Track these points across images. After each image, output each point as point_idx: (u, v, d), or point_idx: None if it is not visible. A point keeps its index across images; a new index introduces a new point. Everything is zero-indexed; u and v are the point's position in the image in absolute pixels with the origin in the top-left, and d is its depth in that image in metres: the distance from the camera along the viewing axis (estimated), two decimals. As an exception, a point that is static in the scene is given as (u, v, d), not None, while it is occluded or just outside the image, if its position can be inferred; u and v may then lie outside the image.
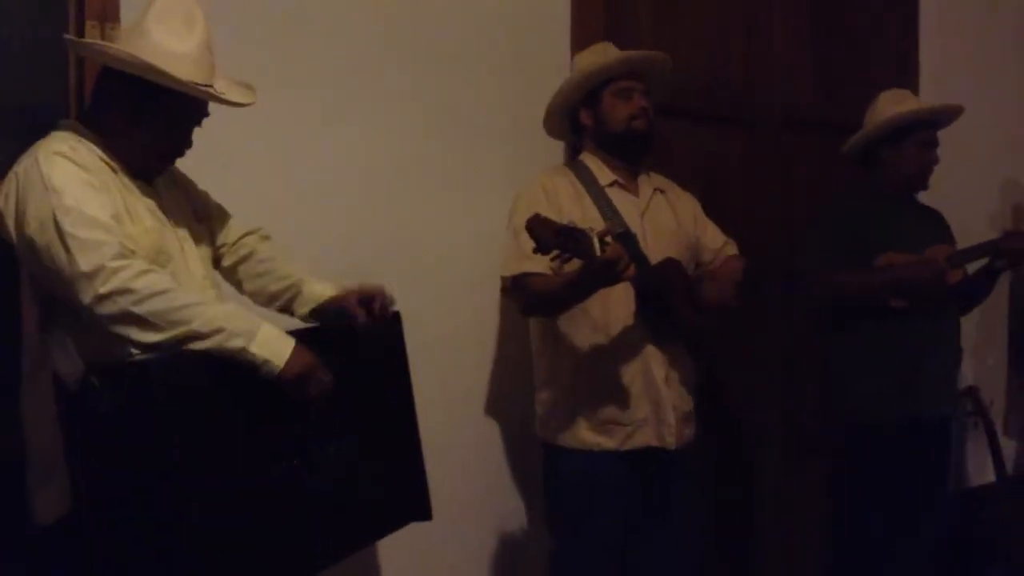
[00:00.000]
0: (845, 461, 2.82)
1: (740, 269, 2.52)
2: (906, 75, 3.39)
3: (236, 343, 1.59)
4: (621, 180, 2.41)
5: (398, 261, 2.40)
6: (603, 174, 2.40)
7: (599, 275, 2.04)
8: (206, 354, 1.58)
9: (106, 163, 1.69)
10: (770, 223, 3.06)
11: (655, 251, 2.34)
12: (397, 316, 2.01)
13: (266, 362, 1.61)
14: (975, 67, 3.59)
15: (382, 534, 2.02)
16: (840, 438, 2.82)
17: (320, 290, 1.93)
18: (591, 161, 2.43)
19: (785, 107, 3.17)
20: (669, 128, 2.88)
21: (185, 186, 1.92)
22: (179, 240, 1.79)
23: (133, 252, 1.61)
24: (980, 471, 3.52)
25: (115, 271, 1.55)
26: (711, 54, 3.04)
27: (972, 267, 2.82)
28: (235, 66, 1.81)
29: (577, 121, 2.44)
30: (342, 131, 2.36)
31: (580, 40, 2.69)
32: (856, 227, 2.73)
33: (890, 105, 2.77)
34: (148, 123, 1.71)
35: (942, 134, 2.81)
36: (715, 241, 2.55)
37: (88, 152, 1.67)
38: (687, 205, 2.54)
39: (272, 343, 1.62)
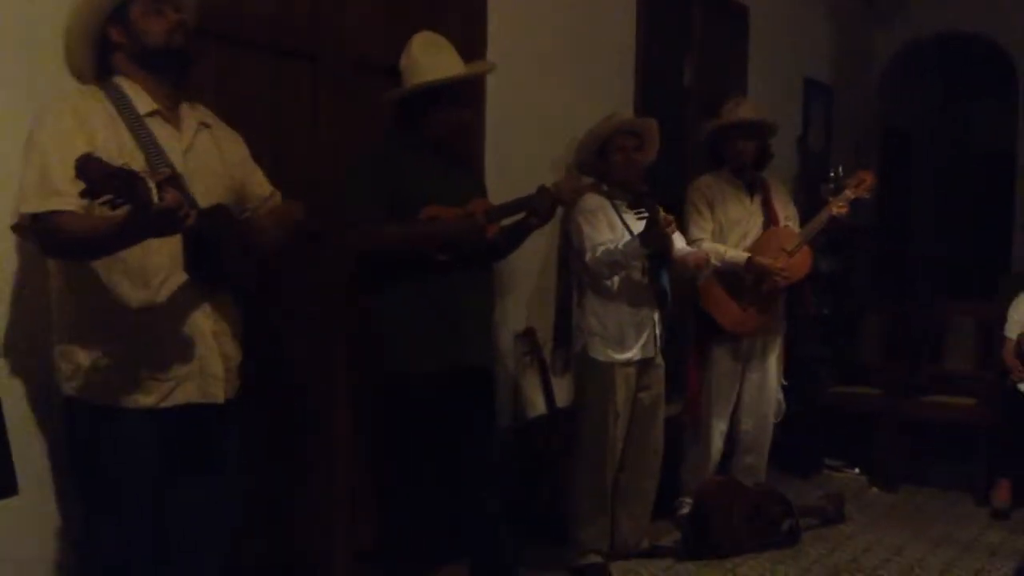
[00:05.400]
0: (388, 412, 2.87)
1: (298, 208, 2.45)
2: (474, 28, 3.48)
3: None
4: (162, 110, 2.18)
5: None
6: (142, 100, 2.16)
7: (154, 225, 1.88)
8: None
9: None
10: (332, 165, 2.96)
11: (200, 194, 2.14)
12: None
13: None
14: (533, 32, 3.79)
15: None
16: (384, 389, 2.86)
17: None
18: (127, 85, 2.16)
19: (353, 47, 3.09)
20: (228, 56, 2.70)
21: None
22: None
23: None
24: (536, 406, 3.83)
25: None
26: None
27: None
28: None
29: (106, 42, 2.17)
30: None
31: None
32: (395, 177, 2.76)
33: (426, 58, 2.82)
34: None
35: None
36: (263, 188, 2.43)
37: None
38: (234, 145, 2.37)
39: None
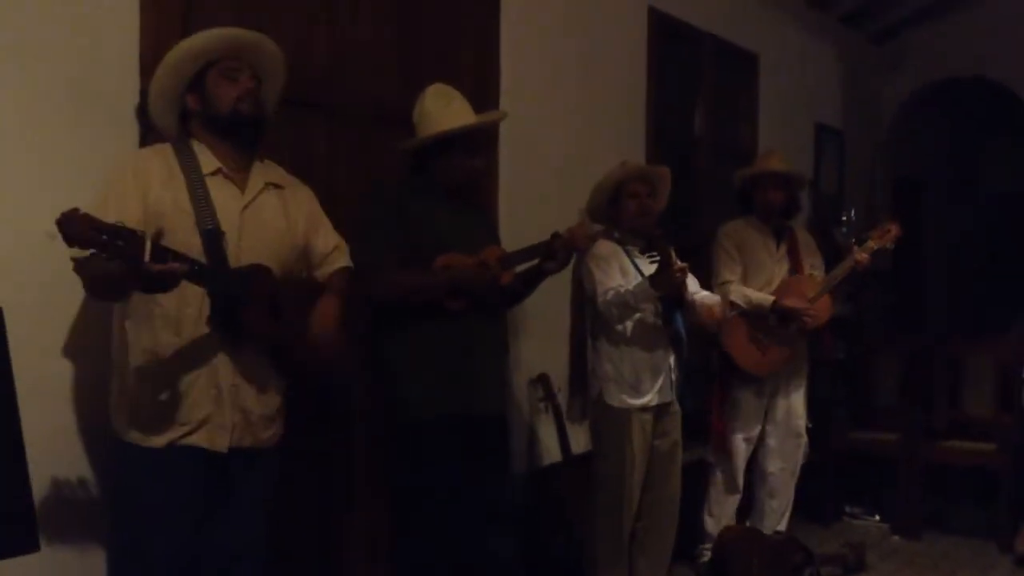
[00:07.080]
0: (400, 459, 2.86)
1: (336, 305, 2.47)
2: (487, 77, 3.53)
3: None
4: (227, 170, 2.28)
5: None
6: (207, 161, 2.27)
7: (143, 281, 1.96)
8: None
9: None
10: (348, 214, 2.97)
11: (251, 250, 2.25)
12: None
13: None
14: (546, 81, 3.84)
15: None
16: (397, 435, 2.85)
17: None
18: (198, 146, 2.29)
19: (371, 99, 3.13)
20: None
21: None
22: None
23: None
24: (551, 452, 3.81)
25: None
26: (296, 42, 2.92)
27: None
28: None
29: (185, 107, 2.30)
30: None
31: (152, 26, 2.49)
32: (408, 225, 2.79)
33: (437, 108, 2.85)
34: None
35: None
36: (325, 246, 2.50)
37: None
38: (302, 204, 2.46)
39: None
